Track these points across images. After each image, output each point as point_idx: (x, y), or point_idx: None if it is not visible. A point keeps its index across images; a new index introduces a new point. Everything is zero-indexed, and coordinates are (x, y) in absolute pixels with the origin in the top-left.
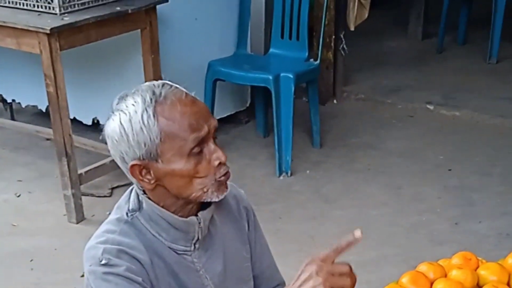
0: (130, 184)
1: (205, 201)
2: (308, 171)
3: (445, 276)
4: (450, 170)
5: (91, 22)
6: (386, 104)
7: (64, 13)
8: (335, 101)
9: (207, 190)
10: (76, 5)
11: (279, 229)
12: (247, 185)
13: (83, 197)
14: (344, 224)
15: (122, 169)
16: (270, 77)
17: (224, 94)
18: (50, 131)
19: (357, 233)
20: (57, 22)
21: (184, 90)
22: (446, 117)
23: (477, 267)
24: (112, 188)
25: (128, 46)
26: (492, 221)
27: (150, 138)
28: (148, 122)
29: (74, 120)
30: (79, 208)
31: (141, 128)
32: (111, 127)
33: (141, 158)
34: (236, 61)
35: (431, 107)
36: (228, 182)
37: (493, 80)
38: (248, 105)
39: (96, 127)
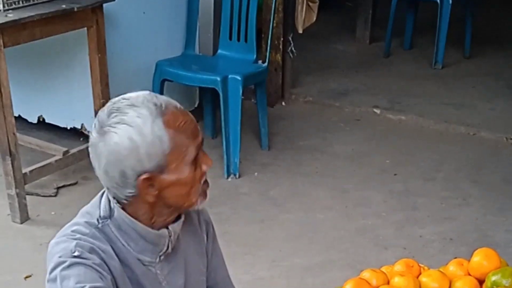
0: (76, 184)
1: (191, 209)
2: (256, 173)
3: (388, 283)
4: (395, 174)
5: (36, 20)
6: (334, 107)
7: (8, 10)
8: (283, 103)
9: (197, 199)
10: (21, 2)
11: (226, 232)
12: None
13: (27, 197)
14: (291, 228)
15: (108, 184)
16: (218, 79)
17: (172, 94)
18: None
19: None
20: (0, 19)
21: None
22: (392, 121)
23: (419, 274)
24: (58, 188)
25: (75, 45)
26: (436, 225)
27: (161, 149)
28: (159, 133)
29: (19, 118)
30: (23, 208)
31: (153, 140)
32: (115, 142)
33: (149, 170)
34: (184, 61)
35: (378, 111)
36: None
37: (438, 85)
38: (196, 105)
39: (41, 125)
